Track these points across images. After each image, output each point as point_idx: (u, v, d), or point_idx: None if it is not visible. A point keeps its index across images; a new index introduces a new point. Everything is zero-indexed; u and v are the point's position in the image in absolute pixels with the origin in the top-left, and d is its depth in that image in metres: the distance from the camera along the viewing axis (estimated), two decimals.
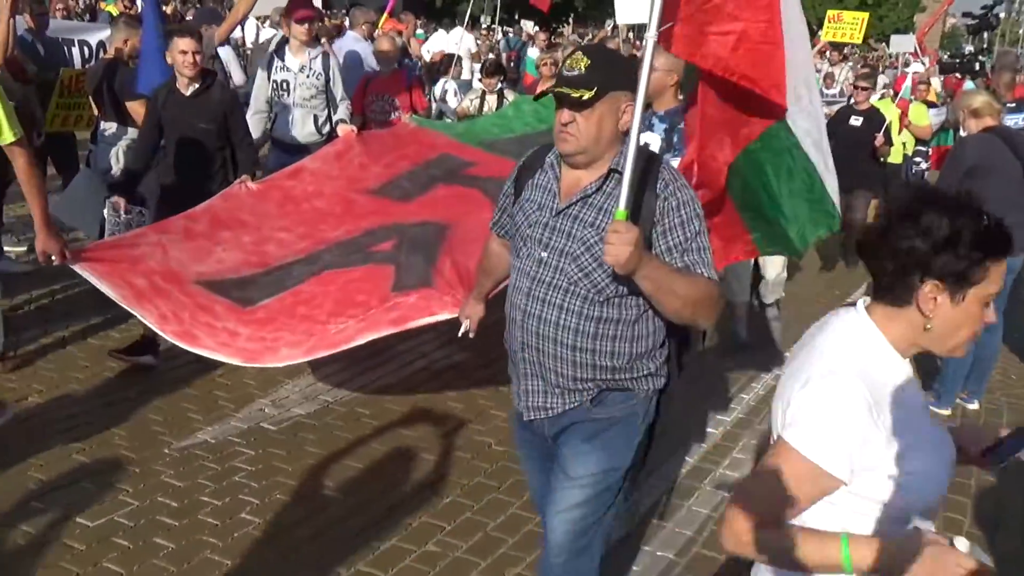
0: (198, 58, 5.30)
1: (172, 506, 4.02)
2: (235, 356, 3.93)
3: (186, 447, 4.56)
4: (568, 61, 2.54)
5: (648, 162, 2.56)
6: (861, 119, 8.47)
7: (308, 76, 6.55)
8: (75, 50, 8.35)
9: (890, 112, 9.31)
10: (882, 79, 16.90)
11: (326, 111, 6.69)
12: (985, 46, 27.01)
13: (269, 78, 6.56)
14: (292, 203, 5.18)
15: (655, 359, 2.66)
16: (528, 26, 23.19)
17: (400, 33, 12.06)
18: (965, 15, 24.19)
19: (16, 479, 4.11)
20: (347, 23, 13.42)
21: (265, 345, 3.94)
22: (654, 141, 4.30)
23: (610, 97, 2.47)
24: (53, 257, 4.00)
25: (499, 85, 8.43)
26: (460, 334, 3.28)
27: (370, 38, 9.98)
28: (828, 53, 20.68)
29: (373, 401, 5.25)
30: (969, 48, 27.93)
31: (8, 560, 3.58)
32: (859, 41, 20.01)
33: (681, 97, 4.17)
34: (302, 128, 6.58)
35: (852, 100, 8.78)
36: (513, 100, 7.56)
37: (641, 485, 4.50)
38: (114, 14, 12.67)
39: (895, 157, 9.18)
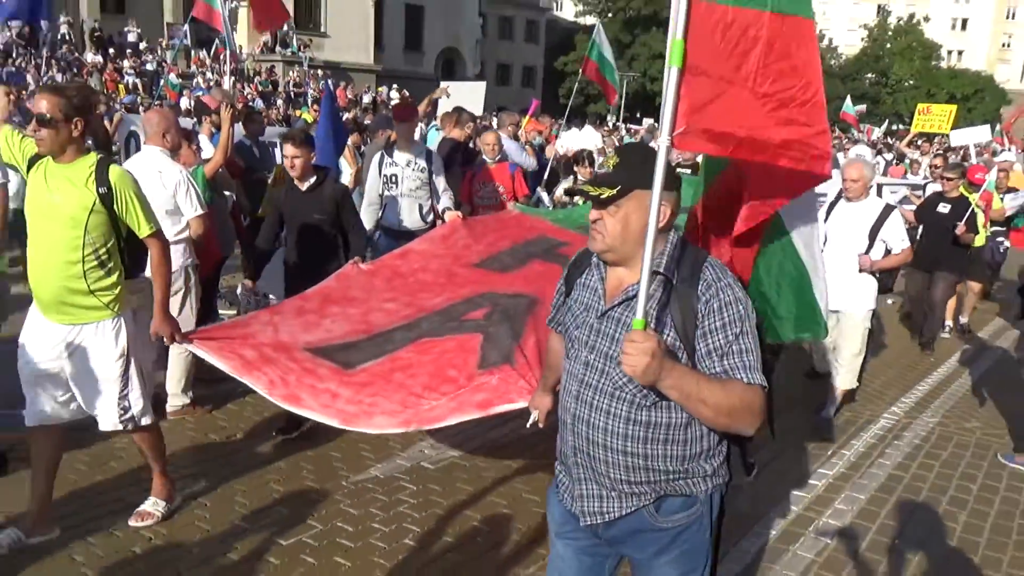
0: (298, 162, 5.25)
1: (348, 530, 4.16)
2: (334, 417, 3.65)
3: (360, 481, 4.73)
4: (603, 160, 2.32)
5: (695, 259, 2.25)
6: (949, 206, 8.09)
7: (414, 170, 6.50)
8: (277, 150, 9.07)
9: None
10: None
11: (429, 201, 6.61)
12: None
13: (380, 173, 6.53)
14: (399, 278, 4.97)
15: (712, 460, 2.31)
16: (647, 123, 23.34)
17: (540, 132, 12.34)
18: None
19: (226, 504, 4.35)
20: (495, 123, 13.78)
21: (362, 409, 3.67)
22: None
23: (637, 195, 2.17)
24: (164, 338, 3.88)
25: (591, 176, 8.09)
26: (528, 425, 2.95)
27: (515, 137, 10.26)
28: (919, 142, 20.00)
29: (515, 444, 5.31)
30: None
31: (220, 570, 3.79)
32: (948, 131, 19.26)
33: None
34: (409, 215, 6.52)
35: (942, 188, 8.44)
36: None
37: (748, 532, 4.41)
38: (308, 120, 13.47)
39: (977, 240, 8.59)
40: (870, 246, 5.62)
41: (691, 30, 2.12)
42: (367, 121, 15.27)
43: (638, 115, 46.12)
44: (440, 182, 6.63)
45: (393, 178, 6.49)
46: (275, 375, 3.79)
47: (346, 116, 18.81)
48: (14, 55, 23.06)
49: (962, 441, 5.97)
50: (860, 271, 5.61)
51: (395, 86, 34.50)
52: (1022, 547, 4.45)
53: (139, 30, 28.55)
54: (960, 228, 7.75)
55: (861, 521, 4.63)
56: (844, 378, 5.91)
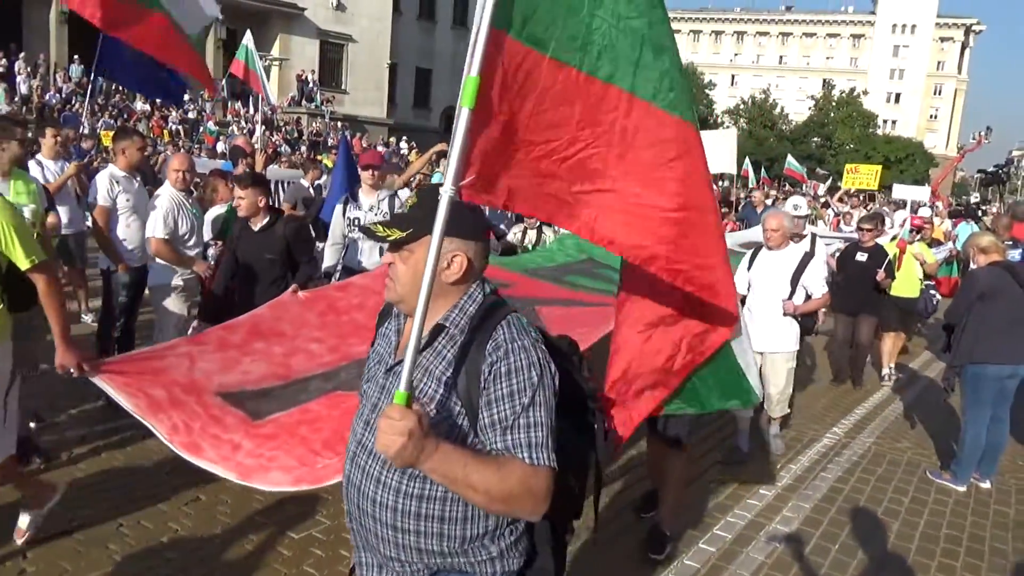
0: (242, 203, 4.93)
1: None
2: (232, 471, 3.03)
3: None
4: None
5: (494, 315, 1.75)
6: (866, 255, 7.67)
7: (376, 214, 5.89)
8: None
9: (891, 250, 8.52)
10: (899, 216, 16.11)
11: None
12: (989, 198, 26.06)
13: (344, 215, 5.97)
14: (333, 313, 4.34)
15: (500, 540, 1.77)
16: None
17: None
18: (980, 171, 23.51)
19: (244, 502, 4.29)
20: None
21: (260, 463, 3.09)
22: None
23: (429, 241, 1.63)
24: (72, 370, 3.26)
25: (538, 221, 7.35)
26: None
27: None
28: (847, 198, 19.97)
29: None
30: (976, 195, 26.87)
31: (237, 560, 3.72)
32: (875, 188, 19.50)
33: None
34: (369, 257, 5.89)
35: (859, 239, 7.95)
36: (558, 236, 6.70)
37: (707, 536, 4.37)
38: (328, 165, 13.51)
39: (912, 291, 8.26)
40: (792, 292, 5.38)
41: (492, 69, 1.73)
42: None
43: None
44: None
45: (356, 221, 5.91)
46: (179, 420, 3.19)
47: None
48: (73, 102, 23.10)
49: (895, 459, 5.95)
50: (784, 315, 5.35)
51: (405, 137, 34.70)
52: (948, 553, 4.43)
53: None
54: (880, 275, 7.42)
55: (806, 527, 4.59)
56: (776, 409, 5.66)
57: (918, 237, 9.10)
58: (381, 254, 5.67)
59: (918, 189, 17.37)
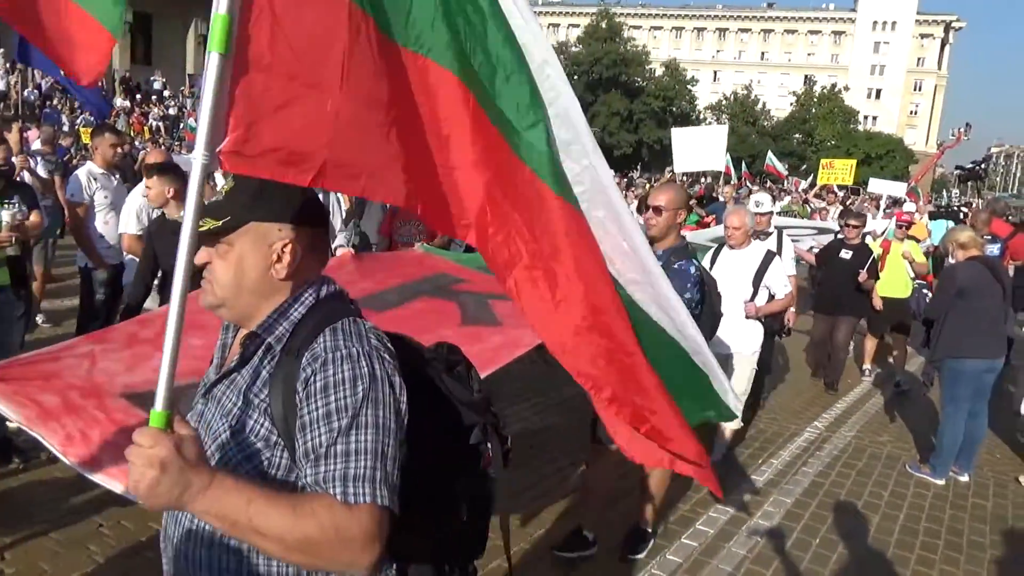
0: (151, 193, 4.63)
1: None
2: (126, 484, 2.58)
3: None
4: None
5: (320, 320, 1.40)
6: (851, 253, 7.36)
7: None
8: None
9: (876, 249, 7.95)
10: (879, 224, 15.83)
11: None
12: (968, 194, 26.28)
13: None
14: None
15: None
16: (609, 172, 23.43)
17: None
18: (958, 167, 23.71)
19: None
20: None
21: None
22: None
23: (254, 229, 1.39)
24: None
25: None
26: None
27: None
28: (824, 194, 19.50)
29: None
30: (956, 191, 27.17)
31: None
32: (850, 183, 19.02)
33: (684, 235, 3.55)
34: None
35: (843, 236, 7.56)
36: None
37: (689, 531, 4.40)
38: None
39: (903, 291, 7.85)
40: (754, 293, 5.13)
41: (256, 9, 1.32)
42: None
43: None
44: (336, 220, 5.69)
45: None
46: (75, 429, 2.74)
47: None
48: (53, 100, 22.84)
49: (875, 453, 6.01)
50: (746, 317, 5.09)
51: None
52: (927, 546, 4.48)
53: (164, 79, 28.40)
54: (862, 276, 7.07)
55: (787, 522, 4.63)
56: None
57: (905, 235, 8.65)
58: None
59: (895, 184, 17.05)
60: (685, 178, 23.55)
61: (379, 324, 3.22)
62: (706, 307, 3.67)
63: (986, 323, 5.27)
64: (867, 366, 8.31)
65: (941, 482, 5.40)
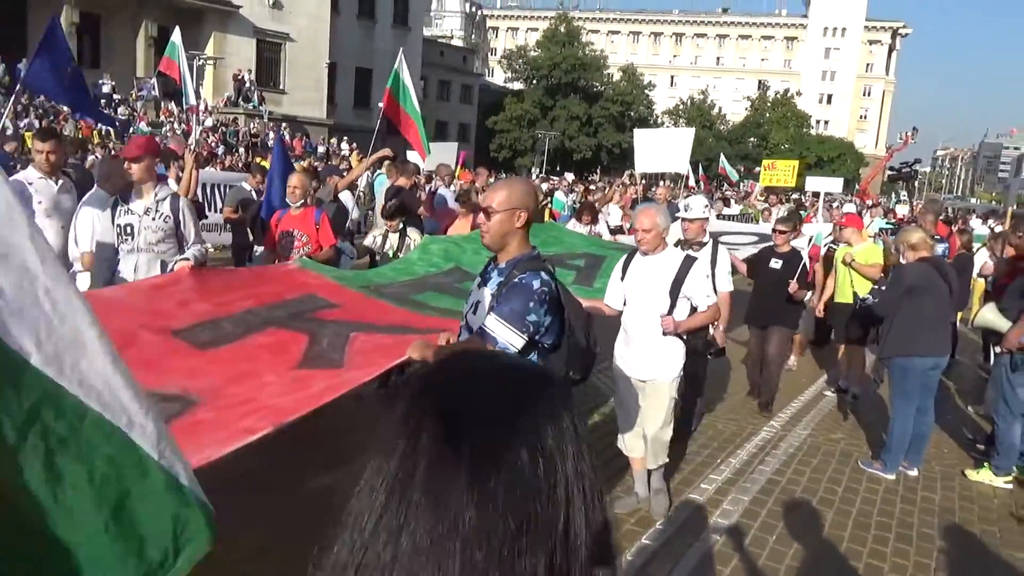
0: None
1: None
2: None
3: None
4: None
5: None
6: (781, 261, 6.81)
7: (154, 219, 4.78)
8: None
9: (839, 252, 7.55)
10: (810, 228, 14.45)
11: (176, 256, 4.79)
12: (905, 194, 26.98)
13: (113, 223, 4.82)
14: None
15: None
16: (568, 176, 23.70)
17: (473, 183, 12.42)
18: (891, 169, 24.38)
19: None
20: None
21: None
22: (485, 298, 2.91)
23: None
24: None
25: (400, 224, 6.60)
26: None
27: (449, 185, 10.29)
28: (767, 197, 19.07)
29: None
30: (904, 193, 27.93)
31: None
32: (793, 184, 18.07)
33: (534, 249, 2.96)
34: (147, 275, 4.68)
35: (773, 243, 7.04)
36: (421, 242, 6.05)
37: (648, 531, 4.46)
38: (265, 167, 13.27)
39: (844, 296, 7.36)
40: (672, 305, 4.34)
41: None
42: (319, 168, 15.15)
43: (558, 168, 46.78)
44: (190, 232, 4.92)
45: (128, 228, 4.78)
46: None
47: (301, 164, 18.61)
48: None
49: (829, 450, 6.16)
50: (664, 334, 4.32)
51: (345, 138, 34.33)
52: (879, 539, 4.61)
53: (113, 82, 27.78)
54: (792, 286, 6.55)
55: (745, 520, 4.72)
56: (653, 456, 4.56)
57: (842, 241, 7.80)
58: (163, 269, 4.63)
59: (831, 181, 16.21)
60: (644, 180, 23.80)
61: (195, 365, 3.24)
62: (567, 337, 2.91)
63: (933, 321, 5.44)
64: (856, 389, 7.47)
65: (892, 477, 5.55)
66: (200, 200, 7.69)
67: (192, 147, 9.36)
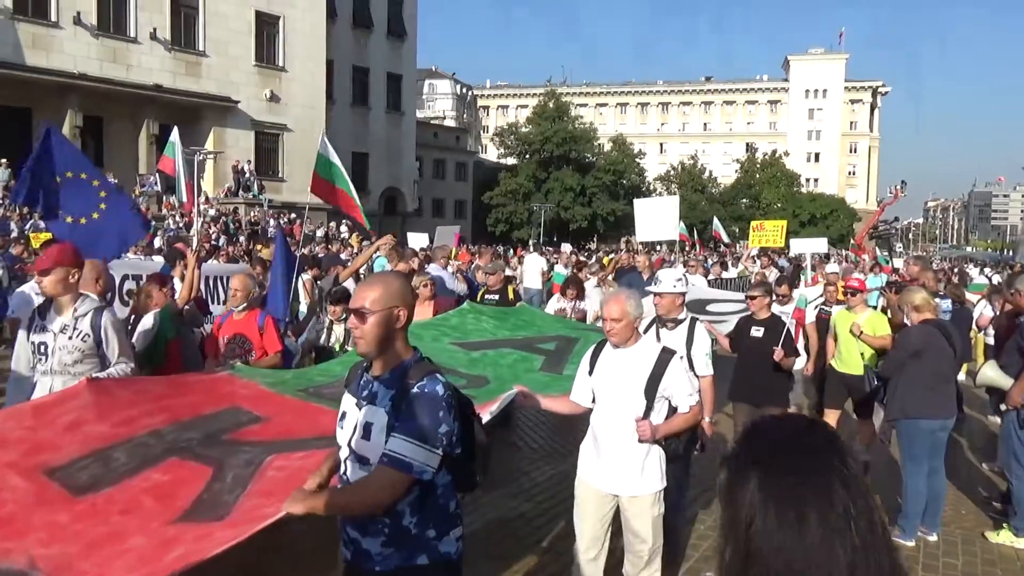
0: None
1: None
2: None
3: None
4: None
5: None
6: (763, 329, 6.21)
7: (71, 338, 4.22)
8: None
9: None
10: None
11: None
12: (901, 246, 27.30)
13: (27, 339, 4.34)
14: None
15: None
16: (566, 247, 24.01)
17: (470, 261, 12.59)
18: (874, 228, 24.77)
19: None
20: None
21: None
22: (378, 418, 2.44)
23: None
24: None
25: (344, 314, 5.85)
26: None
27: (446, 267, 10.43)
28: (759, 257, 18.86)
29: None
30: (899, 246, 28.25)
31: None
32: (781, 245, 18.26)
33: (417, 351, 2.58)
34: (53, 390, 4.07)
35: (749, 310, 6.49)
36: None
37: None
38: (265, 257, 13.47)
39: (854, 368, 6.87)
40: (648, 406, 3.72)
41: None
42: (321, 255, 15.40)
43: (555, 239, 47.30)
44: (115, 349, 4.31)
45: (42, 347, 4.23)
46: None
47: (303, 251, 18.88)
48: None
49: None
50: (640, 440, 3.71)
51: (345, 221, 34.84)
52: None
53: (116, 180, 28.38)
54: (777, 353, 5.92)
55: None
56: (645, 573, 3.98)
57: (846, 304, 7.40)
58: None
59: (816, 241, 16.41)
60: (642, 247, 24.07)
61: (60, 522, 2.76)
62: (470, 443, 2.55)
63: (936, 383, 5.46)
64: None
65: (911, 543, 5.46)
66: (203, 295, 7.78)
67: (193, 242, 9.54)
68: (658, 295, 5.12)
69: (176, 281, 7.53)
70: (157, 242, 20.41)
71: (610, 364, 3.86)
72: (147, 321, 5.77)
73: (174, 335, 5.83)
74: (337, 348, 5.99)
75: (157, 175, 27.06)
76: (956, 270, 22.10)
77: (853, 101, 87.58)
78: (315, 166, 8.20)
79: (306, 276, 9.49)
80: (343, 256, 14.53)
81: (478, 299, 7.90)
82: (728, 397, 6.44)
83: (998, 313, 8.16)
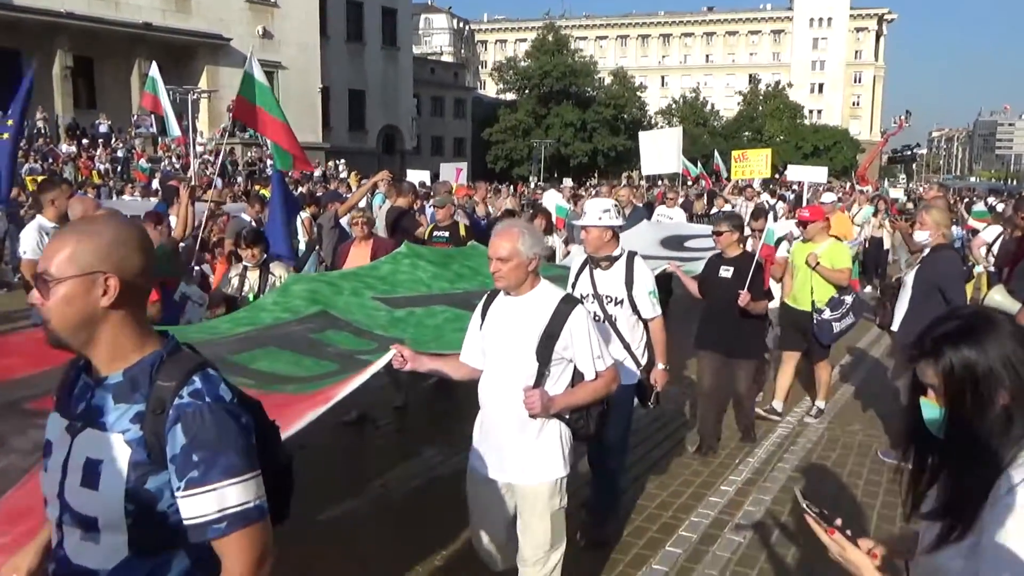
0: None
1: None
2: None
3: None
4: None
5: None
6: (731, 269, 5.52)
7: None
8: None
9: (799, 250, 6.39)
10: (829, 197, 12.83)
11: None
12: (904, 177, 26.95)
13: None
14: None
15: None
16: (567, 182, 23.67)
17: (470, 196, 12.42)
18: (894, 151, 24.35)
19: None
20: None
21: None
22: (114, 452, 1.53)
23: None
24: None
25: (262, 257, 5.36)
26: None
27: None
28: (744, 191, 15.51)
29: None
30: (902, 177, 27.89)
31: None
32: (768, 175, 16.90)
33: (169, 337, 1.78)
34: None
35: (719, 248, 5.70)
36: (284, 282, 4.96)
37: (672, 538, 4.41)
38: (266, 196, 13.33)
39: (800, 302, 6.28)
40: (542, 371, 2.90)
41: None
42: (319, 193, 15.25)
43: (555, 175, 46.84)
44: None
45: None
46: None
47: (301, 189, 18.69)
48: None
49: (847, 443, 6.10)
50: (530, 414, 2.86)
51: (342, 160, 34.44)
52: (907, 531, 4.55)
53: (109, 122, 27.93)
54: (743, 297, 5.32)
55: (768, 520, 4.67)
56: None
57: (798, 237, 6.77)
58: None
59: (814, 170, 14.96)
60: (644, 182, 23.79)
61: None
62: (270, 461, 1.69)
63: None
64: (820, 403, 6.68)
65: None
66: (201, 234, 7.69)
67: (189, 180, 9.39)
68: (584, 229, 4.20)
69: (172, 219, 7.42)
70: (154, 184, 20.20)
71: (499, 317, 3.04)
72: None
73: (170, 273, 5.78)
74: (251, 299, 5.17)
75: (152, 117, 26.61)
76: (965, 200, 21.80)
77: (858, 29, 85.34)
78: (240, 88, 7.30)
79: (304, 214, 9.41)
80: (342, 192, 14.33)
81: (426, 235, 7.65)
82: (695, 345, 5.84)
83: (1006, 239, 8.01)
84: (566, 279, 4.34)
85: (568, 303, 2.97)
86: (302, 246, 8.61)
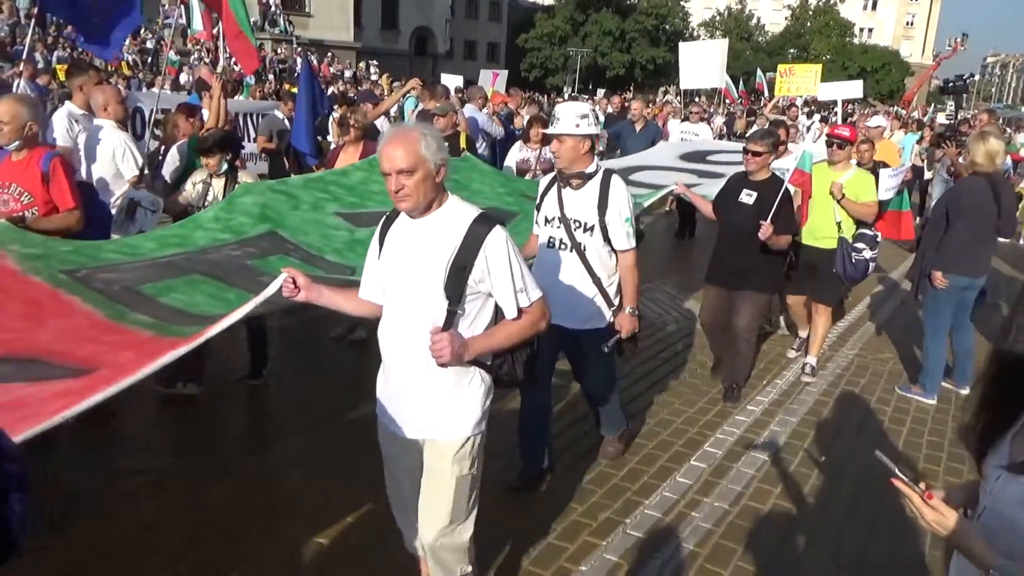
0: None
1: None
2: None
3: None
4: None
5: None
6: (755, 194, 4.86)
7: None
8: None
9: (826, 176, 5.47)
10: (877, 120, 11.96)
11: None
12: (952, 104, 25.75)
13: None
14: None
15: None
16: (600, 93, 23.04)
17: (506, 104, 12.13)
18: (946, 81, 23.25)
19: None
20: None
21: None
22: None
23: None
24: None
25: (224, 165, 4.77)
26: None
27: (482, 108, 10.05)
28: (787, 111, 14.35)
29: None
30: (950, 103, 26.70)
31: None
32: (815, 93, 15.24)
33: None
34: None
35: (745, 167, 4.95)
36: (232, 193, 4.34)
37: (697, 453, 4.46)
38: (294, 92, 13.15)
39: (825, 240, 5.49)
40: (453, 309, 2.39)
41: None
42: (351, 94, 15.00)
43: (590, 86, 45.66)
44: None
45: None
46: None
47: (332, 90, 18.39)
48: (16, 34, 22.07)
49: (877, 370, 6.07)
50: (439, 363, 2.36)
51: (374, 62, 33.75)
52: (931, 459, 4.57)
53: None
54: (765, 229, 4.64)
55: (793, 441, 4.70)
56: (441, 569, 2.61)
57: (848, 157, 5.67)
58: None
59: (848, 85, 14.11)
60: (680, 96, 23.11)
61: None
62: None
63: (975, 241, 5.16)
64: (811, 359, 5.83)
65: (932, 401, 5.40)
66: (237, 130, 7.65)
67: (221, 74, 9.25)
68: (556, 138, 3.52)
69: (205, 112, 7.34)
70: (183, 78, 19.98)
71: (399, 244, 2.48)
72: (173, 155, 5.62)
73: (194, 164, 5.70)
74: None
75: (182, 7, 26.08)
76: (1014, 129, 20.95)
77: None
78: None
79: (336, 114, 9.26)
80: (375, 93, 14.10)
81: None
82: (704, 280, 5.31)
83: None
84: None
85: (483, 224, 2.38)
86: (333, 146, 8.55)
